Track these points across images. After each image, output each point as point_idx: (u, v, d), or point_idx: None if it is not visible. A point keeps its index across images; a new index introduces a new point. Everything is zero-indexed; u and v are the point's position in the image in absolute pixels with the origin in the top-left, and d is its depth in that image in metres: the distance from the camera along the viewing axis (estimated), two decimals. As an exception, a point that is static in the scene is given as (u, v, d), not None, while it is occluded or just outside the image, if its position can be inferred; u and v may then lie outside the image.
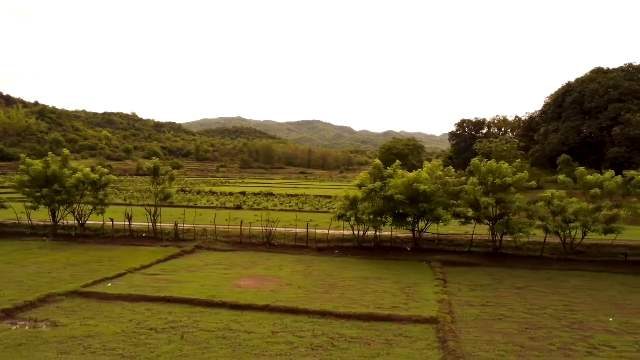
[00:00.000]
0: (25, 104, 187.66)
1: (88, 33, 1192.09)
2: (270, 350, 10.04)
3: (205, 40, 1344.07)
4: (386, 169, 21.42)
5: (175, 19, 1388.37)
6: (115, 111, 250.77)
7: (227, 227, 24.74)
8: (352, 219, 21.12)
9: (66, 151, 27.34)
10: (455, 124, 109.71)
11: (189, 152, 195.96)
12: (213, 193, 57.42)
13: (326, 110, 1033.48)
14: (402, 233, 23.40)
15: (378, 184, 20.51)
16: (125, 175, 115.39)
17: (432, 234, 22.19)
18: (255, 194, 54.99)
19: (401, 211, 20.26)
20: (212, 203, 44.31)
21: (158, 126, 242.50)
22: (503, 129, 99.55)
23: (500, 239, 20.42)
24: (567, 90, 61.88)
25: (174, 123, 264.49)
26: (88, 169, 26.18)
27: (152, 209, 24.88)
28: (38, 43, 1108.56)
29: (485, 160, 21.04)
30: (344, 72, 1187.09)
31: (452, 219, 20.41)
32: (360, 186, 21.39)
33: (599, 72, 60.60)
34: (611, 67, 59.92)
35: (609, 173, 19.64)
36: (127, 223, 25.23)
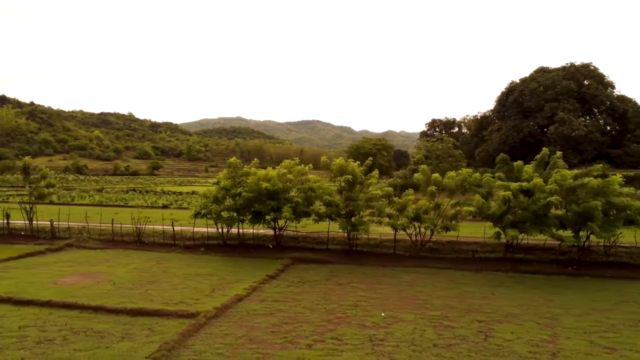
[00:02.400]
0: (20, 104, 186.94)
1: (88, 33, 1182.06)
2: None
3: (205, 41, 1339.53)
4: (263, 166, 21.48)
5: (175, 20, 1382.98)
6: (114, 111, 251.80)
7: (100, 225, 24.61)
8: (212, 216, 21.13)
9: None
10: (426, 124, 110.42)
11: (181, 152, 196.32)
12: (165, 192, 57.50)
13: (326, 110, 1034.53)
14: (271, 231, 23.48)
15: (229, 182, 20.57)
16: (100, 174, 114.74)
17: (293, 231, 22.29)
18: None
19: (256, 209, 20.31)
20: (147, 202, 44.27)
21: (154, 126, 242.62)
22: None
23: (353, 236, 20.52)
24: (511, 90, 62.45)
25: (171, 123, 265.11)
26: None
27: (28, 207, 24.65)
28: (37, 44, 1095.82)
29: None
30: (344, 72, 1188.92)
31: (295, 217, 20.41)
32: (218, 184, 21.41)
33: (541, 71, 61.19)
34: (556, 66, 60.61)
35: (451, 173, 19.88)
36: (6, 221, 25.02)
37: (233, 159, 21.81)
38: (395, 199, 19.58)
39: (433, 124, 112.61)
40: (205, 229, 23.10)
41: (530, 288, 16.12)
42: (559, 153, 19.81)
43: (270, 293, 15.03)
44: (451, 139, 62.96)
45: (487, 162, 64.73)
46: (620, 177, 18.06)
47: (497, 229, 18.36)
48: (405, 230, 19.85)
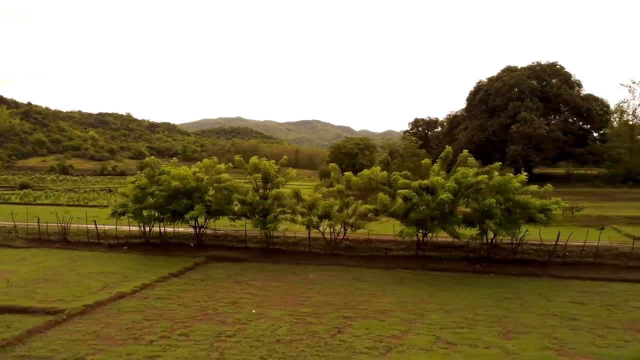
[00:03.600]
0: (17, 104, 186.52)
1: (89, 34, 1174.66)
2: None
3: (205, 41, 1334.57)
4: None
5: (175, 21, 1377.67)
6: (112, 111, 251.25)
7: (27, 224, 24.50)
8: (131, 215, 21.12)
9: None
10: (409, 123, 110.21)
11: (177, 152, 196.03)
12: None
13: (326, 110, 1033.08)
14: (210, 229, 23.48)
15: (144, 181, 20.56)
16: (86, 174, 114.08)
17: (213, 229, 22.34)
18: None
19: (172, 207, 20.33)
20: (109, 201, 44.05)
21: (152, 126, 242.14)
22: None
23: (263, 234, 20.60)
24: (478, 89, 62.72)
25: (169, 123, 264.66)
26: None
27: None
28: (37, 44, 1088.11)
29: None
30: (344, 72, 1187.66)
31: (210, 215, 20.46)
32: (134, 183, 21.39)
33: (508, 70, 61.47)
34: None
35: (366, 171, 19.99)
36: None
37: (152, 159, 21.81)
38: (306, 196, 19.66)
39: (416, 123, 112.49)
40: (132, 228, 23.08)
41: (426, 285, 16.26)
42: (465, 152, 19.96)
43: (159, 291, 15.10)
44: (414, 138, 63.25)
45: (455, 161, 64.79)
46: (525, 176, 18.27)
47: (402, 227, 18.47)
48: (318, 228, 19.94)
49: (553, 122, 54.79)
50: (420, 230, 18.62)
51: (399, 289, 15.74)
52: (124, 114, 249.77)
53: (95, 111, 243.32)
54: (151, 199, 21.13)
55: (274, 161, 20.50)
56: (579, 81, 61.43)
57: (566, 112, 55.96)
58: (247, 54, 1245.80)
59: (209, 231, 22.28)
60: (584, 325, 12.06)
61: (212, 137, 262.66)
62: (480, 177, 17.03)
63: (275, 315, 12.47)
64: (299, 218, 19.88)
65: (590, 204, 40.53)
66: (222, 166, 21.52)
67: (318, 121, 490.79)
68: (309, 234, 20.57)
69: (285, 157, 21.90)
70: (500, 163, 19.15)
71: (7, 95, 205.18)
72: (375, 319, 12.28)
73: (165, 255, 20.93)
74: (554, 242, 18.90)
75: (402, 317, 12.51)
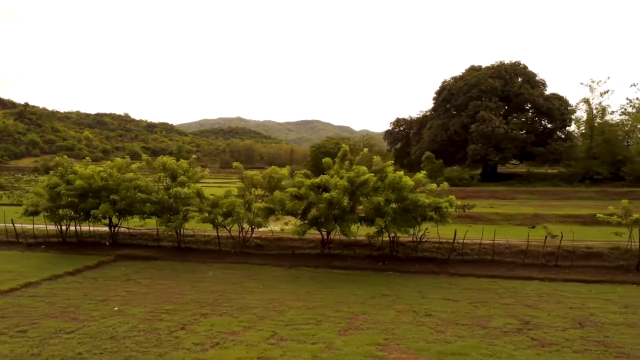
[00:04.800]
0: (14, 105, 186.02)
1: (89, 35, 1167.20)
2: None
3: (205, 41, 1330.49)
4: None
5: (175, 21, 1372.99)
6: (110, 112, 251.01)
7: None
8: (45, 214, 21.16)
9: None
10: (391, 123, 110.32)
11: (172, 152, 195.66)
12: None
13: (326, 110, 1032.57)
14: (124, 227, 23.56)
15: (54, 180, 20.62)
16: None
17: (126, 228, 22.44)
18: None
19: (81, 206, 20.40)
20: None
21: (150, 126, 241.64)
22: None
23: (167, 231, 20.67)
24: (443, 88, 63.10)
25: (167, 123, 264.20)
26: None
27: None
28: (37, 46, 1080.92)
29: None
30: (344, 72, 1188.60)
31: (119, 214, 20.55)
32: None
33: (471, 69, 61.84)
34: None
35: (270, 170, 20.15)
36: None
37: (64, 157, 21.90)
38: (210, 195, 19.80)
39: (397, 122, 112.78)
40: (51, 227, 23.11)
41: (315, 282, 16.46)
42: (365, 150, 20.19)
43: (40, 289, 15.16)
44: (370, 139, 63.67)
45: (420, 160, 65.39)
46: (424, 175, 18.50)
47: (301, 225, 18.58)
48: (225, 227, 20.07)
49: (514, 121, 55.16)
50: (323, 229, 18.79)
51: (284, 287, 15.91)
52: (122, 114, 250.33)
53: (94, 112, 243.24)
54: (66, 198, 21.16)
55: (184, 160, 20.63)
56: (543, 80, 62.00)
57: (526, 112, 56.42)
58: (246, 54, 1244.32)
59: (124, 230, 22.34)
60: (434, 321, 12.28)
61: (210, 137, 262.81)
62: (367, 176, 17.21)
63: (132, 313, 12.59)
64: (205, 215, 19.97)
65: (539, 202, 41.06)
66: (136, 165, 21.59)
67: (318, 121, 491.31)
68: (217, 233, 20.71)
69: (145, 156, 21.88)
70: (391, 162, 19.20)
71: (7, 96, 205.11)
72: (230, 316, 12.43)
73: (79, 254, 20.99)
74: (452, 240, 19.15)
75: (259, 314, 12.67)
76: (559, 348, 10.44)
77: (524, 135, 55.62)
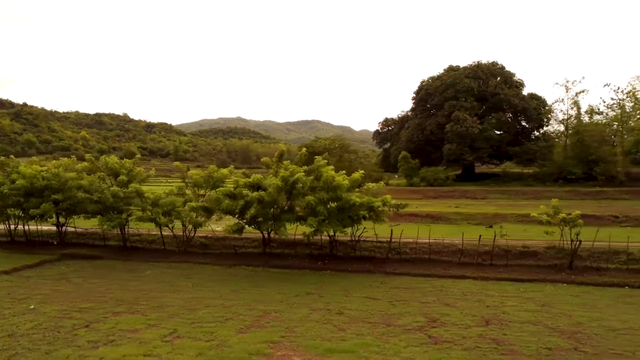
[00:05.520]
0: (12, 105, 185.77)
1: (88, 35, 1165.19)
2: None
3: (205, 41, 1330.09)
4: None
5: (175, 22, 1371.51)
6: (109, 112, 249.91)
7: None
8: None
9: None
10: (379, 123, 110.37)
11: (169, 152, 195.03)
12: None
13: (326, 110, 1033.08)
14: (71, 227, 23.62)
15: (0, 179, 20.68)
16: None
17: (73, 227, 22.52)
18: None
19: (25, 206, 20.47)
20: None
21: (149, 127, 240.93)
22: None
23: (107, 230, 20.76)
24: (421, 88, 63.30)
25: (165, 123, 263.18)
26: None
27: None
28: (37, 46, 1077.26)
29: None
30: (344, 72, 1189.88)
31: (63, 213, 20.62)
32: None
33: (449, 69, 62.02)
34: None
35: (211, 168, 20.24)
36: None
37: (11, 157, 21.98)
38: (149, 194, 19.90)
39: (386, 122, 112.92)
40: (0, 227, 23.16)
41: (245, 281, 16.62)
42: (304, 150, 20.34)
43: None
44: (343, 139, 63.89)
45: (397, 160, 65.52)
46: (361, 174, 18.63)
47: (236, 224, 18.66)
48: (167, 226, 20.17)
49: (489, 121, 55.39)
50: (260, 228, 18.90)
51: (212, 285, 16.04)
52: (120, 114, 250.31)
53: (93, 112, 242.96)
54: (13, 198, 21.18)
55: (127, 160, 20.73)
56: (521, 80, 62.27)
57: (502, 112, 56.66)
58: (247, 54, 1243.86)
59: (72, 229, 22.40)
60: (342, 319, 12.44)
61: (209, 137, 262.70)
62: (299, 175, 17.33)
63: (45, 311, 12.69)
64: (147, 214, 20.04)
65: (507, 202, 41.36)
66: (81, 165, 21.64)
67: (318, 121, 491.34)
68: (161, 232, 20.81)
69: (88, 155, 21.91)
70: (326, 160, 19.17)
71: (8, 96, 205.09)
72: (141, 314, 12.55)
73: (25, 253, 21.06)
74: (389, 239, 19.32)
75: (172, 312, 12.80)
76: (450, 346, 10.61)
77: (499, 135, 55.91)
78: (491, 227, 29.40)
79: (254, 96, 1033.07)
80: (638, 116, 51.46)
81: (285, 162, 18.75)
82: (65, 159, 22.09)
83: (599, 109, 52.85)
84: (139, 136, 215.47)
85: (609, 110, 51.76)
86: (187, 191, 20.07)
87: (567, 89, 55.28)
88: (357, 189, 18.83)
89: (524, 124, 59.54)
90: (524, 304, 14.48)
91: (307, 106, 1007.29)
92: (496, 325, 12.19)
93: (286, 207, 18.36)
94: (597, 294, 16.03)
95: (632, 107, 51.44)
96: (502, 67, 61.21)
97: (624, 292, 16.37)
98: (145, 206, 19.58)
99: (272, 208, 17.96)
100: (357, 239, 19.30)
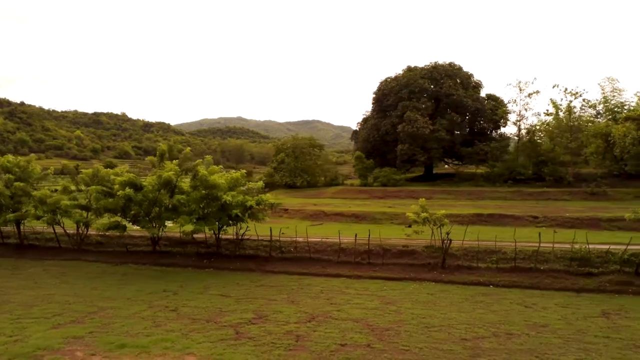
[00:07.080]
0: (10, 104, 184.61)
1: (88, 35, 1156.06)
2: None
3: (205, 41, 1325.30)
4: None
5: (176, 22, 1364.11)
6: (107, 111, 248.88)
7: None
8: None
9: None
10: (357, 123, 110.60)
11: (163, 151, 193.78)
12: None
13: (326, 110, 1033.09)
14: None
15: None
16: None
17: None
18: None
19: None
20: None
21: (147, 126, 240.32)
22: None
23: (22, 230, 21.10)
24: (379, 89, 63.71)
25: (163, 123, 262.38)
26: None
27: None
28: (36, 45, 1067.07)
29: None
30: (344, 72, 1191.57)
31: None
32: None
33: (408, 69, 62.46)
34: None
35: (100, 169, 20.58)
36: None
37: None
38: (36, 193, 20.19)
39: (364, 122, 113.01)
40: None
41: (117, 279, 17.01)
42: (188, 149, 20.68)
43: None
44: (310, 137, 64.30)
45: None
46: (241, 174, 19.03)
47: (116, 222, 18.94)
48: (59, 224, 20.48)
49: (444, 122, 55.96)
50: (144, 225, 19.17)
51: (78, 283, 16.38)
52: (119, 113, 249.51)
53: (92, 111, 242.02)
54: None
55: (21, 159, 21.05)
56: (479, 81, 62.78)
57: (455, 113, 57.25)
58: (247, 53, 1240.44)
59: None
60: (170, 316, 12.89)
61: (208, 136, 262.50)
62: (168, 174, 17.67)
63: None
64: (40, 213, 20.33)
65: (450, 202, 41.83)
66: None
67: (318, 121, 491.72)
68: (54, 230, 21.13)
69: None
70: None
71: (8, 95, 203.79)
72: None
73: None
74: (270, 238, 19.73)
75: (8, 308, 13.17)
76: (247, 341, 11.03)
77: (451, 135, 56.51)
78: (410, 226, 29.91)
79: (254, 96, 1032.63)
80: (585, 117, 52.22)
81: (167, 161, 19.09)
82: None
83: (547, 111, 53.58)
84: (135, 135, 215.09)
85: (560, 111, 52.43)
86: (72, 187, 20.41)
87: (520, 90, 56.01)
88: (241, 188, 19.23)
89: (483, 124, 60.14)
90: (370, 301, 14.94)
91: (307, 106, 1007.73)
92: (317, 322, 12.62)
93: (170, 206, 18.72)
94: (455, 292, 16.55)
95: (580, 108, 52.21)
96: (460, 68, 61.76)
97: (483, 290, 16.93)
98: (37, 204, 19.90)
99: (154, 206, 18.30)
100: (240, 237, 19.71)
